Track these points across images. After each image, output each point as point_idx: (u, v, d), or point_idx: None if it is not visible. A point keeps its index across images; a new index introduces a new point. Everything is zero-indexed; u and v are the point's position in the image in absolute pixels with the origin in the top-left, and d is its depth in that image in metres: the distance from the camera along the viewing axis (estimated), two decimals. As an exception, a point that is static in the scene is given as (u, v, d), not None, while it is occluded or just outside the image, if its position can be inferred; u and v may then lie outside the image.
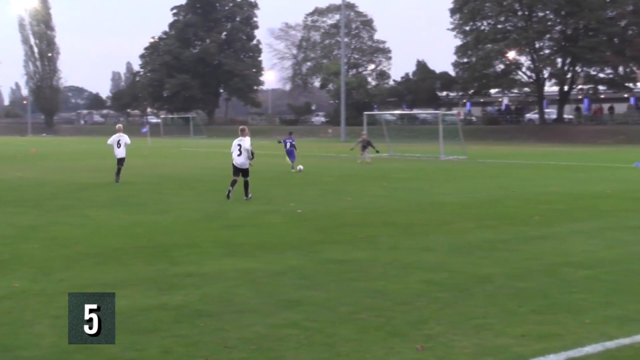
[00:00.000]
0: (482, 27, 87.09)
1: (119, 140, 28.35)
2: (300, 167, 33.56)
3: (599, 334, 8.07)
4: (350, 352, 7.50)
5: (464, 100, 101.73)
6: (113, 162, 28.69)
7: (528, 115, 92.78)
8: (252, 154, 22.08)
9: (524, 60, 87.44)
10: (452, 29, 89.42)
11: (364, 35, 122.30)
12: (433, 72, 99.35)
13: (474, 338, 7.94)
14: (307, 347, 7.65)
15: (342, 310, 9.03)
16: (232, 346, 7.68)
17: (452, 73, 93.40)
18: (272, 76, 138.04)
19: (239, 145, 22.00)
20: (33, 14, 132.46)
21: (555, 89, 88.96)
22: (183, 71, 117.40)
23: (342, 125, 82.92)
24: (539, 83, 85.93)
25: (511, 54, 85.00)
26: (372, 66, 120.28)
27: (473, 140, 64.69)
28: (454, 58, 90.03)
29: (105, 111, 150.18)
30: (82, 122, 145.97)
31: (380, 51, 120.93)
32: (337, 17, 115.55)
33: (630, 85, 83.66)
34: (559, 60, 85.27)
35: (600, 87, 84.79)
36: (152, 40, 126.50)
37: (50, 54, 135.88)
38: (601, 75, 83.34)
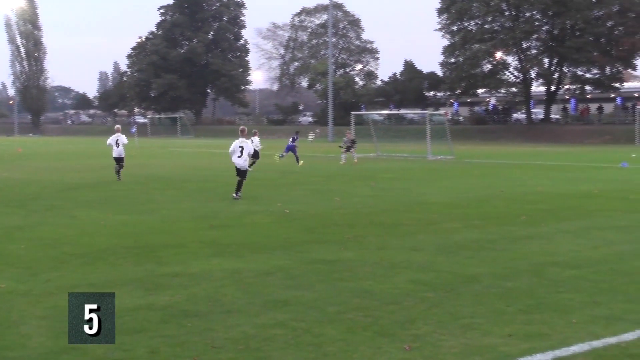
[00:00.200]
0: (470, 27, 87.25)
1: (117, 140, 29.17)
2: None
3: (585, 333, 8.10)
4: (338, 352, 7.50)
5: (452, 100, 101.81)
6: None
7: (515, 115, 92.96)
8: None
9: (511, 60, 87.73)
10: (440, 29, 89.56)
11: (351, 35, 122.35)
12: (420, 72, 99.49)
13: (461, 338, 7.95)
14: (295, 347, 7.65)
15: (329, 310, 9.04)
16: (220, 346, 7.67)
17: (440, 73, 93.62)
18: (260, 76, 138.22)
19: (241, 147, 22.08)
20: (20, 13, 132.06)
21: (542, 89, 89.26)
22: (170, 71, 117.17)
23: (330, 125, 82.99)
24: (526, 83, 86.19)
25: (498, 54, 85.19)
26: (359, 66, 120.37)
27: (460, 140, 64.79)
28: (441, 58, 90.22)
29: (92, 111, 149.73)
30: (69, 122, 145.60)
31: (368, 51, 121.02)
32: (324, 17, 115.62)
33: (617, 85, 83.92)
34: (546, 60, 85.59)
35: (587, 87, 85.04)
36: (139, 40, 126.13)
37: (37, 54, 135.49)
38: (588, 75, 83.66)
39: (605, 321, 8.55)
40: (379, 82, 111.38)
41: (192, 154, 53.18)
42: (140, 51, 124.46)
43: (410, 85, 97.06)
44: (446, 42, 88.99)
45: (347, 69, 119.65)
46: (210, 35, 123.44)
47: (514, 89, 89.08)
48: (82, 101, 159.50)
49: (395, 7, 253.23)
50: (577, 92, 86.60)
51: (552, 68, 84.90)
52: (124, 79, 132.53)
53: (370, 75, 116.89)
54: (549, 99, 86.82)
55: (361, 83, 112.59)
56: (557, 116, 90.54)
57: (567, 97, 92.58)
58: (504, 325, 8.39)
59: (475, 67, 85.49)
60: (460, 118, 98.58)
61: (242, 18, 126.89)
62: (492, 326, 8.34)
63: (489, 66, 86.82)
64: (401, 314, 8.85)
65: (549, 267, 11.62)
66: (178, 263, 11.93)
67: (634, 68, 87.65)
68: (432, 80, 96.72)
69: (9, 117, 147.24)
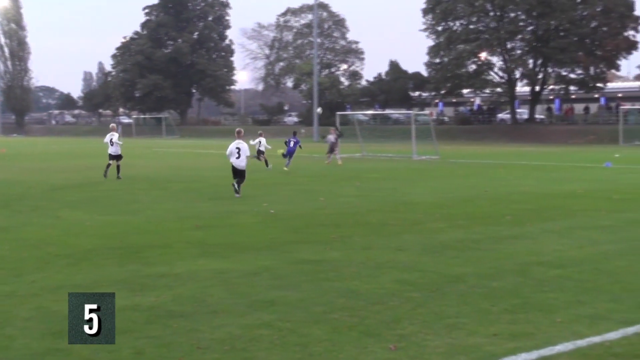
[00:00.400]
0: (455, 28, 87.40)
1: (112, 139, 30.16)
2: (271, 165, 35.07)
3: (570, 332, 8.14)
4: (324, 352, 7.51)
5: (437, 101, 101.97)
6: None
7: (500, 115, 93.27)
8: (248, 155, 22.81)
9: (496, 60, 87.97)
10: (425, 30, 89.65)
11: (336, 35, 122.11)
12: (405, 72, 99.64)
13: (446, 337, 7.97)
14: (280, 348, 7.65)
15: (315, 310, 9.04)
16: (205, 347, 7.67)
17: (425, 73, 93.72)
18: (245, 76, 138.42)
19: (238, 148, 22.47)
20: (4, 13, 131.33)
21: (527, 89, 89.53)
22: (155, 71, 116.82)
23: (315, 125, 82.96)
24: (511, 83, 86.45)
25: (483, 55, 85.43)
26: (344, 66, 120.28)
27: (445, 140, 64.91)
28: (426, 58, 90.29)
29: (76, 111, 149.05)
30: (54, 122, 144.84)
31: (353, 51, 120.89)
32: (309, 17, 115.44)
33: (601, 85, 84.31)
34: (530, 60, 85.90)
35: (571, 88, 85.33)
36: (124, 40, 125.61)
37: (21, 54, 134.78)
38: (572, 75, 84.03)
39: (590, 320, 8.59)
40: (364, 82, 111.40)
41: (177, 154, 53.09)
42: (125, 51, 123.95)
43: (396, 86, 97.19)
44: (431, 43, 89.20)
45: (333, 69, 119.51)
46: (195, 35, 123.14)
47: (498, 89, 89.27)
48: (66, 101, 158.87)
49: (380, 8, 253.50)
50: (562, 92, 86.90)
51: (537, 68, 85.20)
52: (109, 79, 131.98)
53: (355, 76, 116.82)
54: (534, 99, 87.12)
55: (346, 83, 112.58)
56: (542, 116, 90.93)
57: (551, 97, 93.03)
58: (489, 324, 8.42)
59: (460, 67, 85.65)
60: (445, 118, 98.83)
61: (227, 18, 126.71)
62: (477, 326, 8.37)
63: (473, 66, 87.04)
64: (387, 314, 8.86)
65: (533, 266, 11.67)
66: (163, 263, 11.91)
67: (617, 68, 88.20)
68: (417, 80, 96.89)
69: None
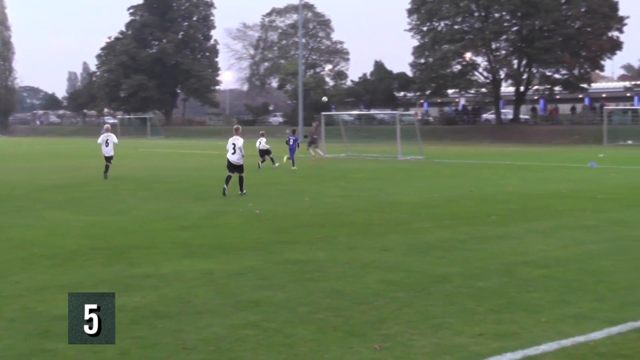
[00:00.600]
0: (439, 28, 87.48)
1: (107, 140, 30.28)
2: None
3: (555, 332, 8.17)
4: (309, 352, 7.52)
5: (421, 101, 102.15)
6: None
7: (485, 116, 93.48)
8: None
9: (481, 61, 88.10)
10: (410, 30, 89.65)
11: (321, 36, 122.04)
12: (390, 72, 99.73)
13: (432, 337, 7.99)
14: (266, 348, 7.66)
15: (300, 310, 9.05)
16: (191, 347, 7.66)
17: (410, 73, 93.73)
18: (230, 76, 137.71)
19: (234, 144, 23.24)
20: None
21: (512, 89, 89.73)
22: (140, 71, 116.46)
23: (300, 125, 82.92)
24: (496, 84, 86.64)
25: (468, 55, 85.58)
26: (329, 66, 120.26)
27: (430, 141, 64.97)
28: (411, 58, 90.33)
29: (61, 111, 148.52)
30: (38, 122, 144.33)
31: (338, 51, 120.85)
32: (294, 17, 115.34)
33: (585, 86, 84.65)
34: (515, 61, 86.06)
35: (556, 88, 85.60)
36: (108, 40, 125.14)
37: (5, 54, 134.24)
38: (556, 76, 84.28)
39: (574, 320, 8.63)
40: (349, 83, 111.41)
41: (163, 155, 52.98)
42: (109, 51, 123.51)
43: (381, 86, 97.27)
44: (416, 43, 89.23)
45: (317, 69, 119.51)
46: (180, 35, 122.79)
47: (483, 90, 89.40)
48: (51, 101, 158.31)
49: (365, 8, 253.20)
50: (546, 92, 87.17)
51: (521, 69, 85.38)
52: (94, 79, 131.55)
53: (340, 76, 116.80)
54: (518, 99, 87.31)
55: (331, 83, 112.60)
56: (526, 116, 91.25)
57: (536, 97, 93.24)
58: (474, 324, 8.44)
59: (445, 67, 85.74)
60: (430, 118, 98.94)
61: (211, 18, 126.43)
62: (462, 326, 8.39)
63: (458, 67, 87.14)
64: (372, 314, 8.88)
65: (518, 266, 11.71)
66: (149, 264, 11.89)
67: (601, 69, 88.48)
68: (402, 80, 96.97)
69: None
